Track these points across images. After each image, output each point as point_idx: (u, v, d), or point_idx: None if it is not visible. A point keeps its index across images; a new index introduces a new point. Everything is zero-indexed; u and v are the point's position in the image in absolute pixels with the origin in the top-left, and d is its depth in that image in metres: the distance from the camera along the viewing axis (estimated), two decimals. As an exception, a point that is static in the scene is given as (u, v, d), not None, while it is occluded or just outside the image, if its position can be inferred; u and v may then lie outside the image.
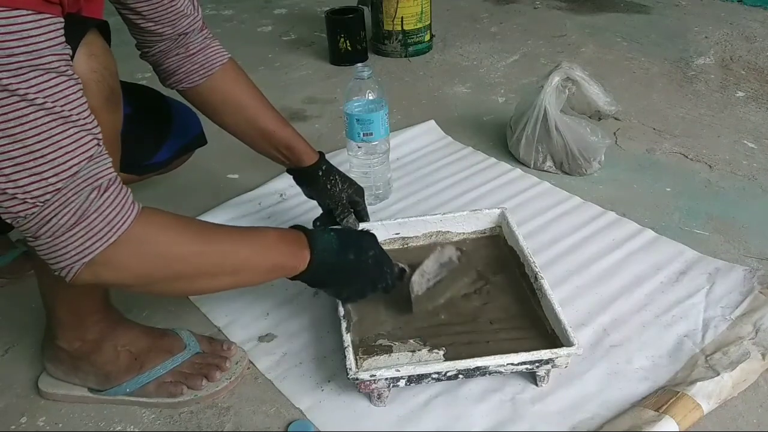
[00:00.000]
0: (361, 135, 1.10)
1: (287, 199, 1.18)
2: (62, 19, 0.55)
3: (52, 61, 0.53)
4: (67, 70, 0.55)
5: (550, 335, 0.81)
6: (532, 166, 1.25)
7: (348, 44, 1.77)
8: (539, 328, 0.84)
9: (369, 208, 1.15)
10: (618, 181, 1.21)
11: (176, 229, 0.64)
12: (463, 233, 1.01)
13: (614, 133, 1.35)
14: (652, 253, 1.00)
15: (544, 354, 0.76)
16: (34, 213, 0.55)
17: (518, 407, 0.77)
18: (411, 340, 0.83)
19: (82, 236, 0.56)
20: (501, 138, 1.35)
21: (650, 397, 0.77)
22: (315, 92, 1.65)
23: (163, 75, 0.89)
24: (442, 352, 0.81)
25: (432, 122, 1.42)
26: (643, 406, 0.74)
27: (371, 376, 0.74)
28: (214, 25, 2.16)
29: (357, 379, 0.74)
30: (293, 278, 0.74)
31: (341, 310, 0.83)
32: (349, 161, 1.16)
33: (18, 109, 0.51)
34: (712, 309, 0.89)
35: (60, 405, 0.82)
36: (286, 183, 1.22)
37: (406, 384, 0.76)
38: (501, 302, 0.89)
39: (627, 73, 1.66)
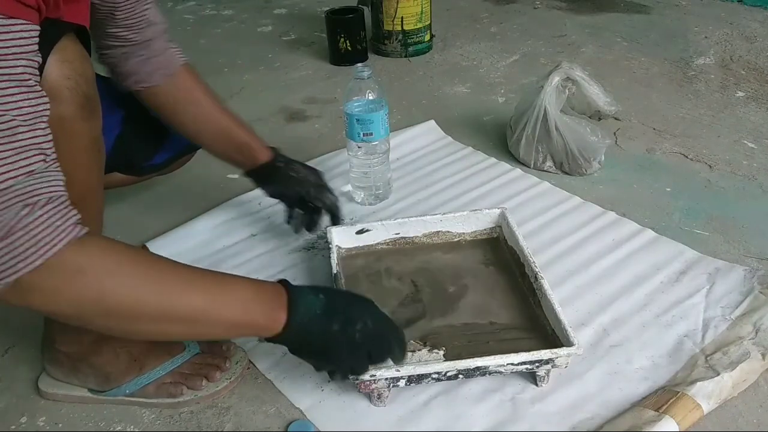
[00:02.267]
0: (361, 135, 1.10)
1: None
2: (37, 27, 0.53)
3: (15, 69, 0.52)
4: (29, 80, 0.53)
5: (551, 336, 0.81)
6: (532, 166, 1.25)
7: (348, 44, 1.77)
8: (540, 328, 0.84)
9: (369, 208, 1.16)
10: (618, 181, 1.21)
11: (119, 262, 0.58)
12: (463, 233, 1.01)
13: (614, 133, 1.35)
14: (652, 253, 1.00)
15: (544, 354, 0.75)
16: None
17: (518, 407, 0.77)
18: (411, 341, 0.83)
19: (6, 254, 0.52)
20: (501, 138, 1.35)
21: (650, 397, 0.76)
22: (315, 92, 1.65)
23: (122, 76, 0.90)
24: (442, 352, 0.81)
25: (432, 122, 1.42)
26: (643, 406, 0.74)
27: (371, 376, 0.73)
28: (214, 25, 2.16)
29: (357, 379, 0.74)
30: (268, 340, 0.68)
31: None
32: (349, 161, 1.16)
33: None
34: (712, 309, 0.89)
35: (60, 405, 0.82)
36: (286, 183, 1.22)
37: (406, 384, 0.76)
38: (502, 302, 0.89)
39: (627, 73, 1.66)
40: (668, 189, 1.18)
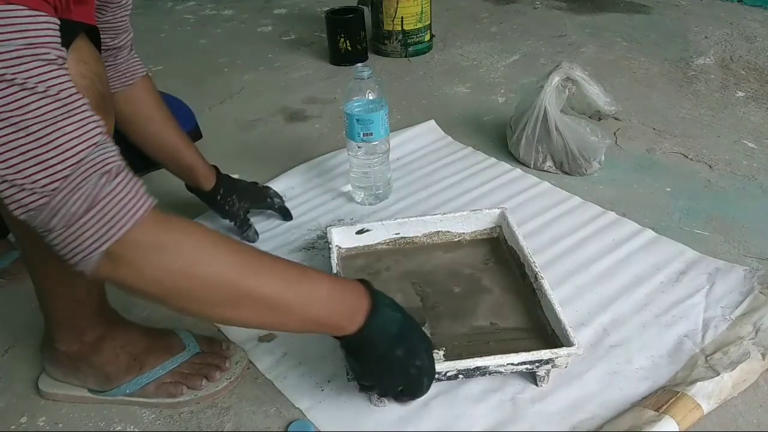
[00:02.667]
0: (361, 135, 1.10)
1: (287, 200, 1.18)
2: (57, 21, 0.54)
3: (50, 55, 0.52)
4: (65, 65, 0.54)
5: (551, 336, 0.81)
6: (532, 166, 1.25)
7: (348, 44, 1.77)
8: (540, 328, 0.84)
9: (369, 208, 1.16)
10: (618, 181, 1.21)
11: (202, 239, 0.59)
12: (463, 233, 1.01)
13: (614, 133, 1.35)
14: (652, 253, 1.00)
15: (544, 354, 0.76)
16: (44, 204, 0.53)
17: (518, 407, 0.77)
18: None
19: (96, 223, 0.54)
20: (501, 138, 1.35)
21: (650, 397, 0.76)
22: (315, 92, 1.65)
23: None
24: (441, 352, 0.81)
25: (432, 122, 1.42)
26: (643, 406, 0.74)
27: None
28: (214, 25, 2.16)
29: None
30: (336, 336, 0.68)
31: None
32: (349, 161, 1.16)
33: (19, 99, 0.50)
34: (712, 309, 0.89)
35: (60, 405, 0.82)
36: (285, 184, 1.23)
37: None
38: (501, 302, 0.89)
39: (627, 73, 1.66)
40: (668, 189, 1.18)
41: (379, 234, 0.99)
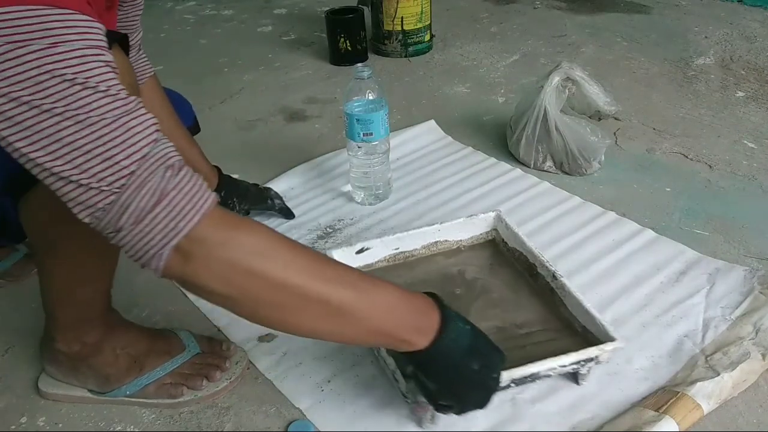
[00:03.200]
0: (361, 135, 1.10)
1: (287, 200, 1.18)
2: (104, 28, 0.54)
3: (106, 56, 0.53)
4: (116, 69, 0.54)
5: (582, 332, 0.81)
6: (532, 166, 1.25)
7: (348, 44, 1.77)
8: (567, 326, 0.83)
9: (369, 208, 1.16)
10: (618, 181, 1.21)
11: (268, 239, 0.58)
12: (461, 240, 0.99)
13: (614, 133, 1.35)
14: (652, 253, 1.00)
15: (592, 352, 0.75)
16: (112, 201, 0.52)
17: (518, 407, 0.77)
18: None
19: (166, 216, 0.53)
20: (501, 138, 1.35)
21: (650, 397, 0.77)
22: (315, 92, 1.65)
23: None
24: None
25: (432, 122, 1.42)
26: (643, 407, 0.74)
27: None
28: (214, 25, 2.16)
29: (414, 400, 0.72)
30: (399, 351, 0.65)
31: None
32: (349, 161, 1.16)
33: (83, 97, 0.50)
34: (713, 309, 0.89)
35: (60, 405, 0.82)
36: (286, 184, 1.23)
37: None
38: (516, 304, 0.88)
39: (627, 73, 1.66)
40: (668, 189, 1.18)
41: (379, 252, 0.97)
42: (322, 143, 1.39)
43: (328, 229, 1.11)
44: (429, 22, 1.84)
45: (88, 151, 0.51)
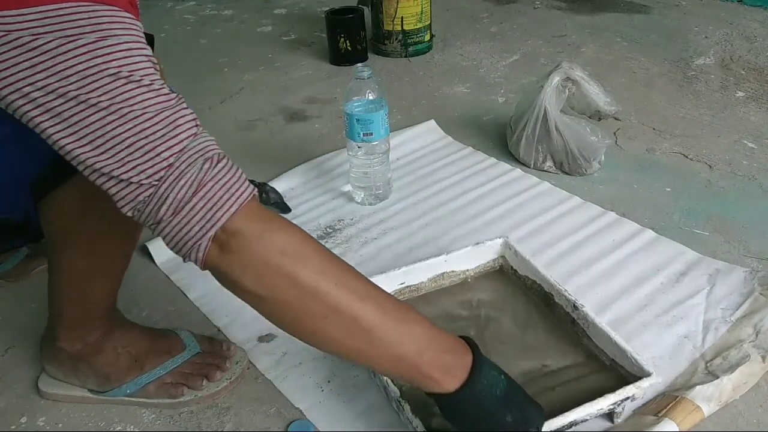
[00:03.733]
0: (361, 135, 1.10)
1: (287, 200, 1.18)
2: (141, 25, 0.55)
3: (149, 51, 0.54)
4: (156, 65, 0.55)
5: (611, 366, 0.77)
6: (532, 166, 1.25)
7: (348, 44, 1.77)
8: (595, 360, 0.79)
9: (369, 208, 1.16)
10: (618, 181, 1.21)
11: (303, 242, 0.58)
12: (467, 270, 0.94)
13: (614, 133, 1.35)
14: (653, 254, 1.00)
15: (629, 390, 0.70)
16: (151, 194, 0.53)
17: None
18: None
19: (204, 206, 0.54)
20: (501, 138, 1.35)
21: (650, 402, 0.76)
22: (315, 92, 1.65)
23: None
24: None
25: (432, 122, 1.42)
26: (642, 413, 0.74)
27: None
28: (214, 25, 2.16)
29: None
30: (427, 393, 0.61)
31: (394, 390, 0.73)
32: (349, 161, 1.16)
33: (127, 90, 0.51)
34: (713, 310, 0.89)
35: (60, 405, 0.82)
36: (286, 184, 1.23)
37: None
38: (536, 338, 0.83)
39: (627, 73, 1.66)
40: (668, 189, 1.18)
41: (384, 285, 0.82)
42: (322, 143, 1.39)
43: (328, 229, 1.11)
44: (429, 22, 1.84)
45: (130, 145, 0.52)
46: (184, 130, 0.54)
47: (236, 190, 0.55)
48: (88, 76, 0.50)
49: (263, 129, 1.48)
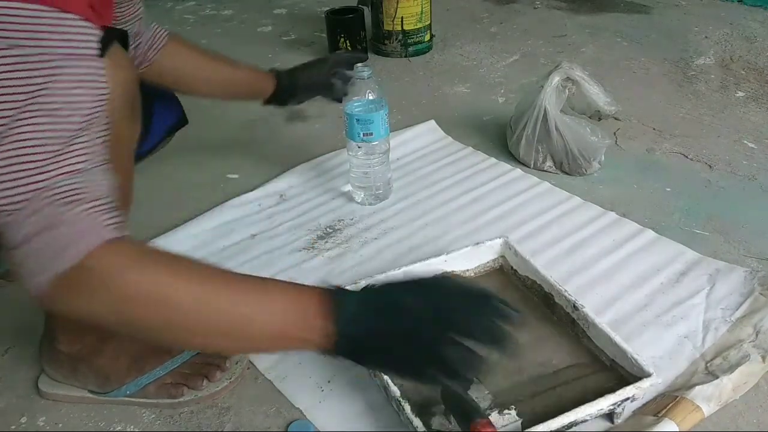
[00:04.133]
0: (361, 135, 1.09)
1: (287, 200, 1.18)
2: (98, 30, 0.54)
3: (86, 66, 0.52)
4: (95, 81, 0.54)
5: (611, 367, 0.77)
6: (532, 166, 1.25)
7: (348, 44, 1.77)
8: (596, 361, 0.79)
9: (369, 208, 1.16)
10: (618, 181, 1.21)
11: (158, 267, 0.55)
12: (467, 269, 0.94)
13: (614, 133, 1.35)
14: (653, 254, 1.00)
15: (629, 391, 0.71)
16: (11, 219, 0.51)
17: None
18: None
19: (47, 247, 0.51)
20: (501, 138, 1.35)
21: (650, 403, 0.76)
22: (315, 92, 1.64)
23: None
24: (514, 413, 0.72)
25: (432, 122, 1.42)
26: (642, 413, 0.74)
27: None
28: (214, 25, 2.16)
29: None
30: (327, 354, 0.58)
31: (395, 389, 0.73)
32: (349, 161, 1.16)
33: (27, 111, 0.50)
34: (713, 310, 0.89)
35: (60, 405, 0.82)
36: (286, 184, 1.23)
37: None
38: (536, 338, 0.82)
39: (627, 73, 1.66)
40: (668, 189, 1.18)
41: None
42: (322, 143, 1.39)
43: (328, 229, 1.11)
44: (429, 22, 1.84)
45: (4, 167, 0.50)
46: (63, 166, 0.51)
47: (88, 237, 0.51)
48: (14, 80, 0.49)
49: (263, 129, 1.48)
